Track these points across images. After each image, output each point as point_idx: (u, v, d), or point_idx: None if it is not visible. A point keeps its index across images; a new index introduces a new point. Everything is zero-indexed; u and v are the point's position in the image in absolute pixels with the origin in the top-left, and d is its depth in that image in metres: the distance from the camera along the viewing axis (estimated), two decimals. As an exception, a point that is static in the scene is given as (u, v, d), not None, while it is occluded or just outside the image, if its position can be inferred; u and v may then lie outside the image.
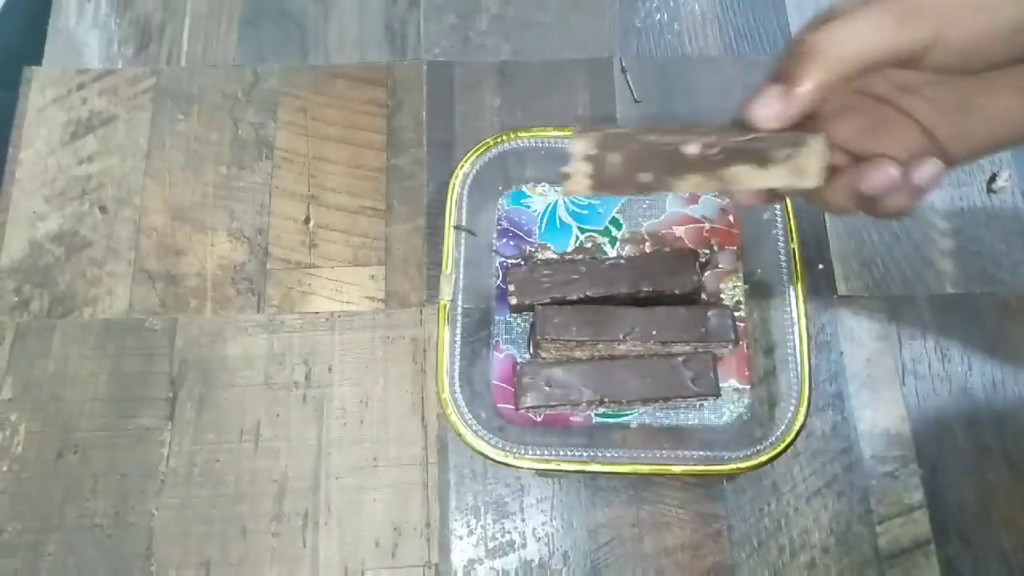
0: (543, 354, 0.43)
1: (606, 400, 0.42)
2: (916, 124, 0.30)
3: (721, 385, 0.44)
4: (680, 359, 0.43)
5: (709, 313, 0.43)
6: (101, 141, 0.51)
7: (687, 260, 0.45)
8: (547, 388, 0.42)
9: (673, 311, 0.43)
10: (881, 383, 0.46)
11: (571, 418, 0.45)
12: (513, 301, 0.44)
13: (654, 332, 0.42)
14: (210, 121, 0.52)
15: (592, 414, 0.45)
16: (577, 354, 0.43)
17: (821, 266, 0.48)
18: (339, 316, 0.47)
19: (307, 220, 0.50)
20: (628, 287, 0.44)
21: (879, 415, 0.45)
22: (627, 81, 0.53)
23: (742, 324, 0.46)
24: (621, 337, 0.42)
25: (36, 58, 0.54)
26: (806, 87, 0.26)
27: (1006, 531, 0.43)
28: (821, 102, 0.27)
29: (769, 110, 0.27)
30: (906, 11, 0.25)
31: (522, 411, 0.42)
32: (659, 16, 0.56)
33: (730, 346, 0.43)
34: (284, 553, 0.43)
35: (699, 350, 0.43)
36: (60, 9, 0.55)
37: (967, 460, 0.44)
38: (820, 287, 0.48)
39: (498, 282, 0.47)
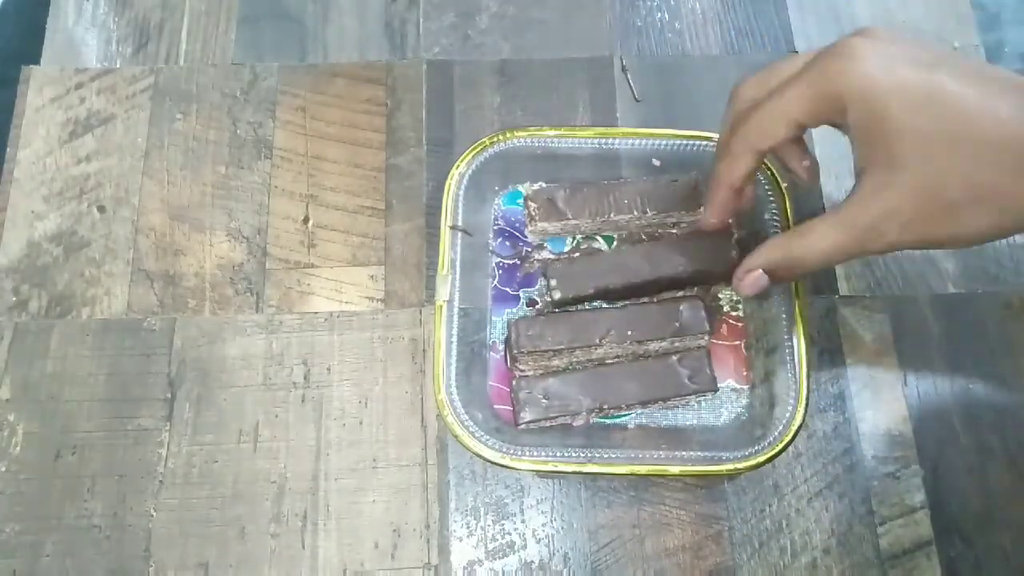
0: (521, 367, 0.43)
1: (605, 407, 0.42)
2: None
3: (720, 385, 0.44)
4: (675, 358, 0.43)
5: (681, 307, 0.43)
6: (99, 140, 0.51)
7: (724, 239, 0.45)
8: (544, 401, 0.42)
9: (645, 309, 0.44)
10: (883, 383, 0.46)
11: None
12: (557, 296, 0.44)
13: (629, 332, 0.42)
14: (208, 120, 0.52)
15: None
16: (555, 363, 0.43)
17: (822, 266, 0.48)
18: (338, 316, 0.47)
19: (306, 220, 0.50)
20: (671, 269, 0.44)
21: (881, 415, 0.45)
22: (628, 80, 0.53)
23: (740, 324, 0.46)
24: (597, 341, 0.42)
25: (34, 57, 0.54)
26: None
27: (1008, 532, 0.43)
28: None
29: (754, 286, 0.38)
30: (869, 235, 0.32)
31: (522, 427, 0.42)
32: (660, 15, 0.55)
33: (706, 337, 0.43)
34: (283, 554, 0.43)
35: (675, 344, 0.43)
36: (58, 8, 0.55)
37: (969, 461, 0.44)
38: (822, 287, 0.48)
39: (495, 283, 0.47)
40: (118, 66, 0.53)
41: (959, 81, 0.30)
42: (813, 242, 0.34)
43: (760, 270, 0.37)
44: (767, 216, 0.44)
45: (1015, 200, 0.30)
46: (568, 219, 0.45)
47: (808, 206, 0.49)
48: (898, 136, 0.30)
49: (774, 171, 0.44)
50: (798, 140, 0.37)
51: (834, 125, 0.34)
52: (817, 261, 0.34)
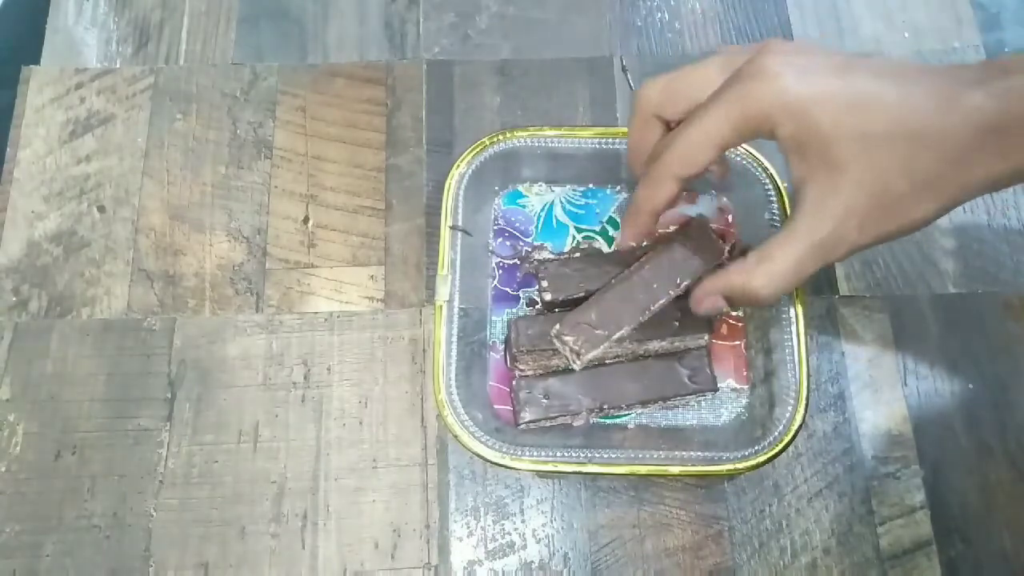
0: (520, 366, 0.43)
1: (605, 407, 0.42)
2: None
3: (720, 385, 0.44)
4: (675, 358, 0.43)
5: (681, 307, 0.43)
6: (99, 141, 0.51)
7: (703, 230, 0.43)
8: (545, 401, 0.42)
9: None
10: (883, 383, 0.46)
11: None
12: (547, 297, 0.44)
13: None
14: (208, 120, 0.52)
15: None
16: (555, 363, 0.43)
17: (822, 266, 0.48)
18: (338, 316, 0.47)
19: (306, 220, 0.50)
20: (664, 279, 0.42)
21: (881, 416, 0.45)
22: (627, 80, 0.53)
23: (740, 324, 0.46)
24: None
25: (34, 57, 0.54)
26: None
27: (1008, 532, 0.43)
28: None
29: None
30: (830, 244, 0.32)
31: (522, 427, 0.42)
32: (660, 15, 0.55)
33: (706, 337, 0.43)
34: (283, 554, 0.43)
35: (675, 344, 0.43)
36: (58, 8, 0.55)
37: (969, 461, 0.44)
38: (822, 287, 0.48)
39: (495, 283, 0.47)
40: (118, 66, 0.53)
41: (874, 81, 0.31)
42: (777, 265, 0.33)
43: (717, 295, 0.37)
44: (767, 216, 0.44)
45: (955, 184, 0.31)
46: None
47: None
48: (834, 142, 0.31)
49: (773, 173, 0.44)
50: None
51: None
52: (783, 284, 0.34)
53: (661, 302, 0.40)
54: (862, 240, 0.32)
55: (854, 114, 0.30)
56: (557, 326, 0.40)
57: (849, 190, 0.31)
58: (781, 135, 0.32)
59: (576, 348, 0.40)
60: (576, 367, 0.40)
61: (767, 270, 0.34)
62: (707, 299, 0.37)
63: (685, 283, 0.41)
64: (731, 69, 0.33)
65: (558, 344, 0.40)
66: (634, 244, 0.39)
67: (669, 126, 0.36)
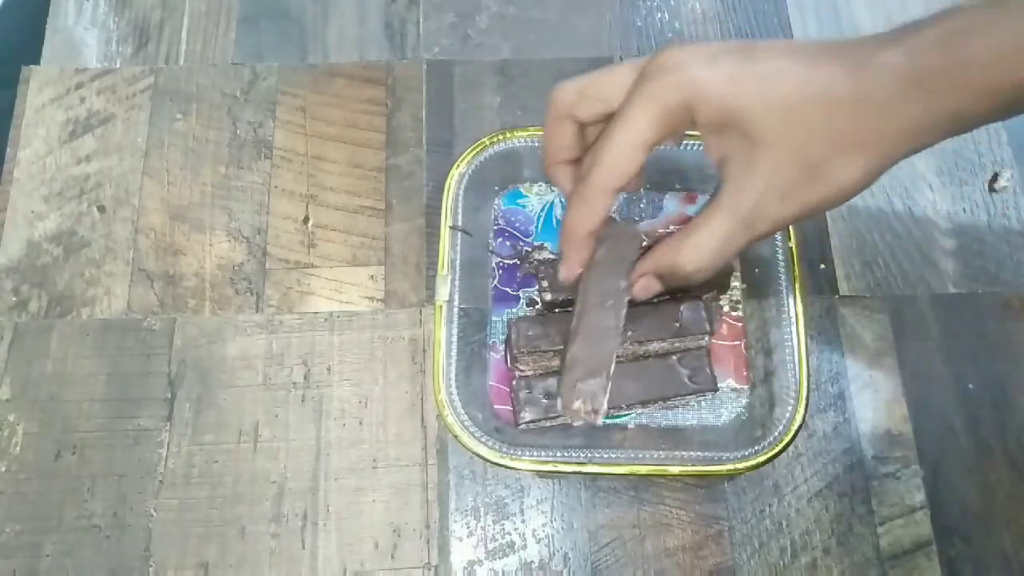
0: (521, 366, 0.43)
1: None
2: None
3: (720, 385, 0.44)
4: (675, 358, 0.43)
5: (682, 308, 0.43)
6: (99, 141, 0.51)
7: (607, 226, 0.43)
8: (545, 401, 0.42)
9: (645, 309, 0.43)
10: (883, 383, 0.46)
11: (570, 419, 0.45)
12: (547, 297, 0.44)
13: (629, 332, 0.42)
14: (208, 120, 0.52)
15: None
16: (555, 363, 0.43)
17: (823, 266, 0.48)
18: (338, 316, 0.47)
19: (306, 220, 0.50)
20: None
21: (881, 415, 0.45)
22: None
23: (740, 324, 0.46)
24: None
25: (34, 57, 0.54)
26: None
27: (1008, 532, 0.43)
28: None
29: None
30: (753, 217, 0.32)
31: (522, 427, 0.42)
32: (660, 15, 0.55)
33: (707, 338, 0.43)
34: (283, 554, 0.43)
35: (676, 344, 0.43)
36: (59, 8, 0.55)
37: (969, 461, 0.44)
38: (822, 287, 0.48)
39: (495, 283, 0.47)
40: (118, 66, 0.53)
41: (780, 57, 0.31)
42: (702, 240, 0.33)
43: (650, 275, 0.37)
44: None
45: (880, 141, 0.30)
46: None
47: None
48: (749, 117, 0.31)
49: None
50: None
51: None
52: (709, 258, 0.34)
53: (623, 311, 0.39)
54: (786, 211, 0.32)
55: (766, 87, 0.30)
56: (559, 402, 0.39)
57: (769, 161, 0.31)
58: (701, 121, 0.32)
59: (590, 409, 0.39)
60: (601, 423, 0.39)
61: (692, 245, 0.34)
62: (639, 281, 0.38)
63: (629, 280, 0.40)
64: (640, 71, 0.33)
65: (570, 417, 0.39)
66: (580, 271, 0.38)
67: (583, 128, 0.36)
